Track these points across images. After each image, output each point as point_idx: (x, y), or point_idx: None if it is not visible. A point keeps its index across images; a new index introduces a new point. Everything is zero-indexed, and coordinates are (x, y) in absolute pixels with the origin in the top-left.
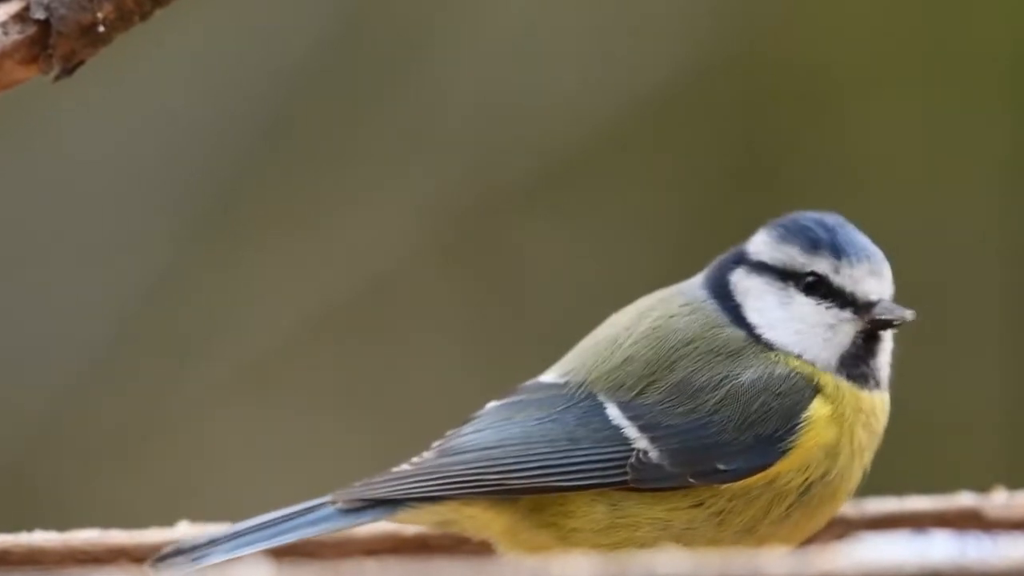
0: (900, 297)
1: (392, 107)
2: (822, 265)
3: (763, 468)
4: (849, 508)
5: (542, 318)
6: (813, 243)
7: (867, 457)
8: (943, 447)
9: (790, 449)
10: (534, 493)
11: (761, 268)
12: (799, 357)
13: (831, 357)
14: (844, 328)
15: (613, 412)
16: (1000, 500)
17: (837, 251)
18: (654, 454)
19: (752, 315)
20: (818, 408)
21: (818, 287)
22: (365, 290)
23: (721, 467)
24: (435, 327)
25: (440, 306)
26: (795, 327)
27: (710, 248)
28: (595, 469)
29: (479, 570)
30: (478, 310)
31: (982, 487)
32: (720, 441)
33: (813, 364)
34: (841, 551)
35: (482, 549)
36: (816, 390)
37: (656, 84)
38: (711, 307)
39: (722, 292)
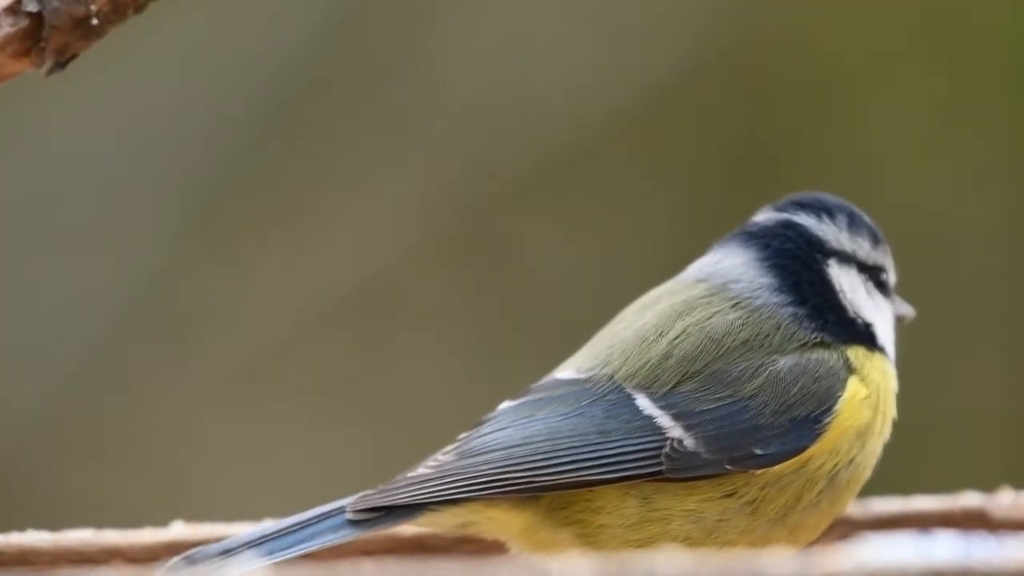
0: (905, 293)
1: (390, 102)
2: (885, 260)
3: (799, 451)
4: (854, 508)
5: (541, 314)
6: (874, 235)
7: (886, 435)
8: (948, 447)
9: (824, 431)
10: (564, 488)
11: (846, 260)
12: (884, 351)
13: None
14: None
15: (644, 403)
16: (1006, 500)
17: (884, 243)
18: (690, 442)
19: (862, 313)
20: (854, 390)
21: (885, 282)
22: (363, 287)
23: (758, 452)
24: (434, 323)
25: (439, 302)
26: (884, 320)
27: (712, 243)
28: (627, 461)
29: (476, 570)
30: (477, 306)
31: (987, 487)
32: (757, 425)
33: (889, 358)
34: (845, 552)
35: (480, 549)
36: (852, 371)
37: (658, 78)
38: (779, 299)
39: (803, 285)
